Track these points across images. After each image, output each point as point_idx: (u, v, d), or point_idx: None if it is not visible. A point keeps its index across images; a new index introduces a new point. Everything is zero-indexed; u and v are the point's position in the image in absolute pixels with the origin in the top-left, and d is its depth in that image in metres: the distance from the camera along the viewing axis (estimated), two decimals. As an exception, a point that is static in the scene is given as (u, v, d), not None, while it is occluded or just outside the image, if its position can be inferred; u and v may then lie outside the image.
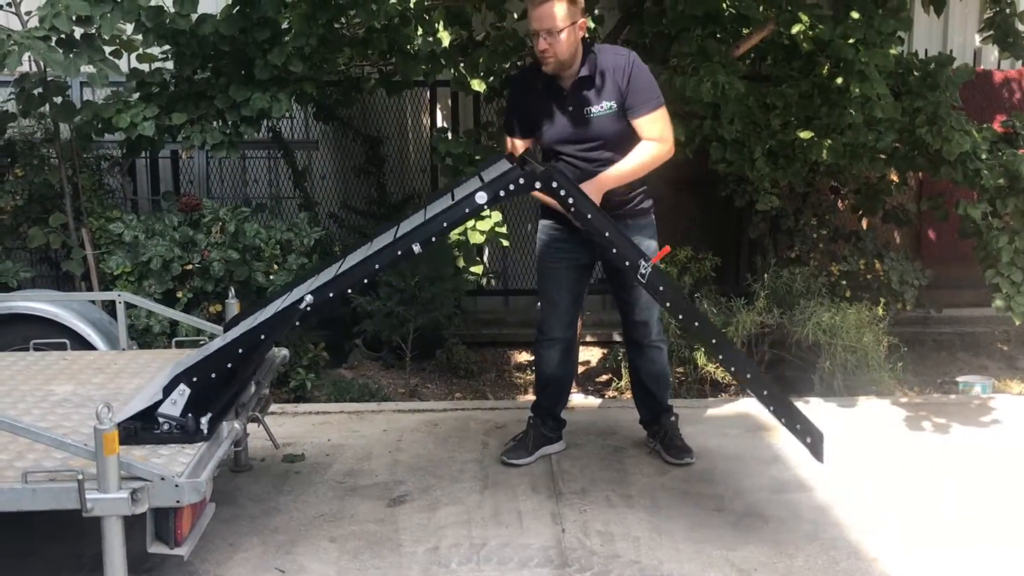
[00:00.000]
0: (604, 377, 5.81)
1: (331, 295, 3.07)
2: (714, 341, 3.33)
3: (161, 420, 2.89)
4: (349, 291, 3.23)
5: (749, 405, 4.87)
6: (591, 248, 3.87)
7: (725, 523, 3.51)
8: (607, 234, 3.23)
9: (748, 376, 3.32)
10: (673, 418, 4.15)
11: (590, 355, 6.23)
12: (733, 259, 6.68)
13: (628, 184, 3.80)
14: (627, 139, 3.73)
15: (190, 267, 4.98)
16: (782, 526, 3.49)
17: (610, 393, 5.54)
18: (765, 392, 3.30)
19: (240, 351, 3.07)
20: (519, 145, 3.89)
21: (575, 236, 3.87)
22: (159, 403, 2.91)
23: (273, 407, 4.32)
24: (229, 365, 3.07)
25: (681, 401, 4.99)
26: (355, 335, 5.83)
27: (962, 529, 3.47)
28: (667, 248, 3.60)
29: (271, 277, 5.00)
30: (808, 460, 4.03)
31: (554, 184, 3.18)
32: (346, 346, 5.94)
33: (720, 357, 3.39)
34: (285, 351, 3.96)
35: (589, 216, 3.23)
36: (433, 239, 3.15)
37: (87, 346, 4.06)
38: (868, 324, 5.19)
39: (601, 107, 3.69)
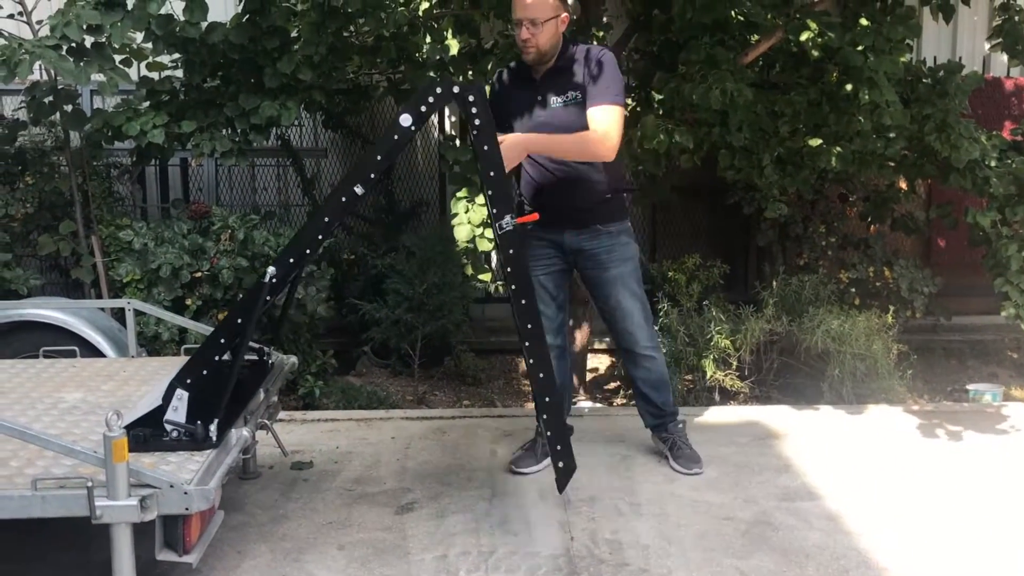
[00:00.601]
0: (613, 385, 5.80)
1: (291, 260, 3.00)
2: (530, 327, 3.14)
3: (170, 427, 2.89)
4: (308, 251, 3.06)
5: (758, 413, 4.86)
6: (566, 253, 3.86)
7: (735, 531, 3.50)
8: (491, 174, 3.05)
9: (540, 375, 3.16)
10: (681, 424, 4.11)
11: (598, 362, 6.23)
12: (742, 266, 6.68)
13: (603, 186, 3.76)
14: None
15: (199, 274, 5.00)
16: (792, 534, 3.47)
17: (619, 401, 5.53)
18: (547, 399, 3.18)
19: (222, 340, 3.03)
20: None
21: (551, 241, 3.85)
22: (159, 409, 2.92)
23: (282, 414, 4.32)
24: (216, 358, 3.02)
25: (690, 409, 4.98)
26: (363, 342, 5.84)
27: (976, 539, 3.44)
28: (535, 215, 3.39)
29: (280, 284, 5.00)
30: (818, 468, 4.04)
31: (470, 98, 3.02)
32: (354, 353, 5.95)
33: (526, 345, 3.17)
34: (294, 358, 3.96)
35: (485, 148, 3.06)
36: (372, 175, 3.02)
37: (96, 353, 4.07)
38: (877, 332, 5.18)
39: (567, 96, 3.66)
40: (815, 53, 4.72)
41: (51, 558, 3.15)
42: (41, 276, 5.42)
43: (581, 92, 3.63)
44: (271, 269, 2.97)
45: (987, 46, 6.64)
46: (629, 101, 5.06)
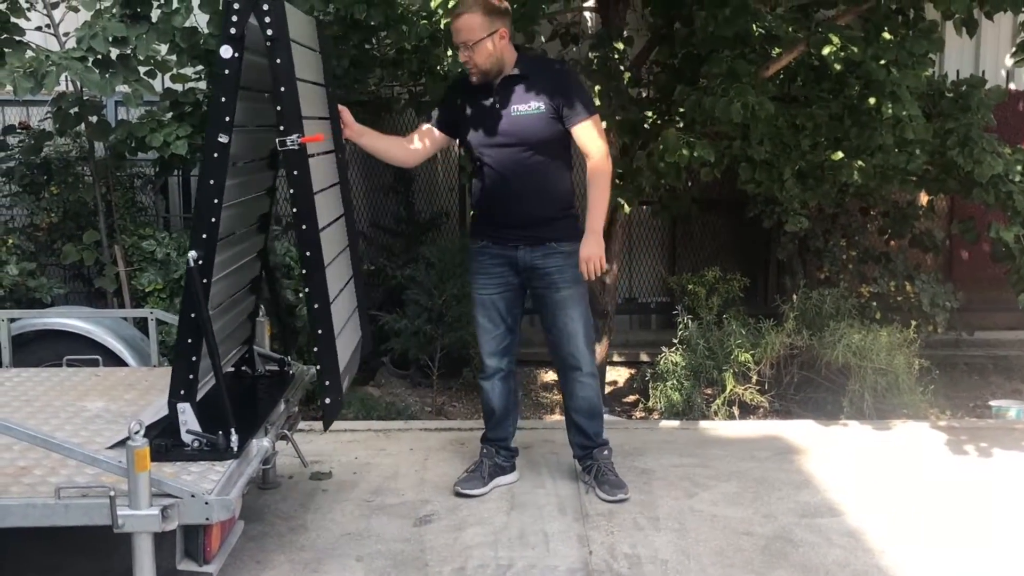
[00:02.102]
0: (631, 398, 5.79)
1: (204, 236, 2.88)
2: (308, 254, 2.96)
3: (191, 437, 2.91)
4: (214, 219, 2.90)
5: (779, 428, 4.83)
6: (520, 271, 3.78)
7: (754, 547, 3.47)
8: (283, 89, 2.87)
9: (315, 306, 3.00)
10: (607, 451, 3.97)
11: (617, 375, 6.22)
12: (762, 280, 6.66)
13: (553, 203, 3.72)
14: (553, 145, 3.67)
15: (220, 284, 5.02)
16: (812, 551, 3.44)
17: (638, 414, 5.52)
18: (319, 332, 3.01)
19: (189, 341, 2.93)
20: (426, 128, 3.83)
21: (505, 259, 3.78)
22: (164, 419, 2.94)
23: (301, 424, 4.34)
24: (194, 358, 2.93)
25: (710, 423, 4.97)
26: (382, 353, 5.86)
27: (1001, 558, 3.41)
28: (320, 136, 3.12)
29: (300, 295, 5.03)
30: (839, 484, 4.01)
31: (264, 7, 2.83)
32: (373, 364, 5.96)
33: (303, 272, 3.04)
34: (314, 369, 3.98)
35: (278, 61, 2.86)
36: (228, 119, 2.85)
37: (119, 362, 4.10)
38: (899, 346, 5.14)
39: (528, 107, 3.61)
40: (837, 67, 4.71)
41: (72, 567, 3.16)
42: (65, 285, 5.48)
43: (545, 105, 3.60)
44: (192, 253, 2.87)
45: (1010, 60, 6.60)
46: (649, 114, 5.06)
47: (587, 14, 6.08)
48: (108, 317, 4.32)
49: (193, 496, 2.64)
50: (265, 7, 2.81)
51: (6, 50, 4.54)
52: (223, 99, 2.85)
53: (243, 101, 2.95)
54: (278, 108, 2.87)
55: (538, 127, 3.62)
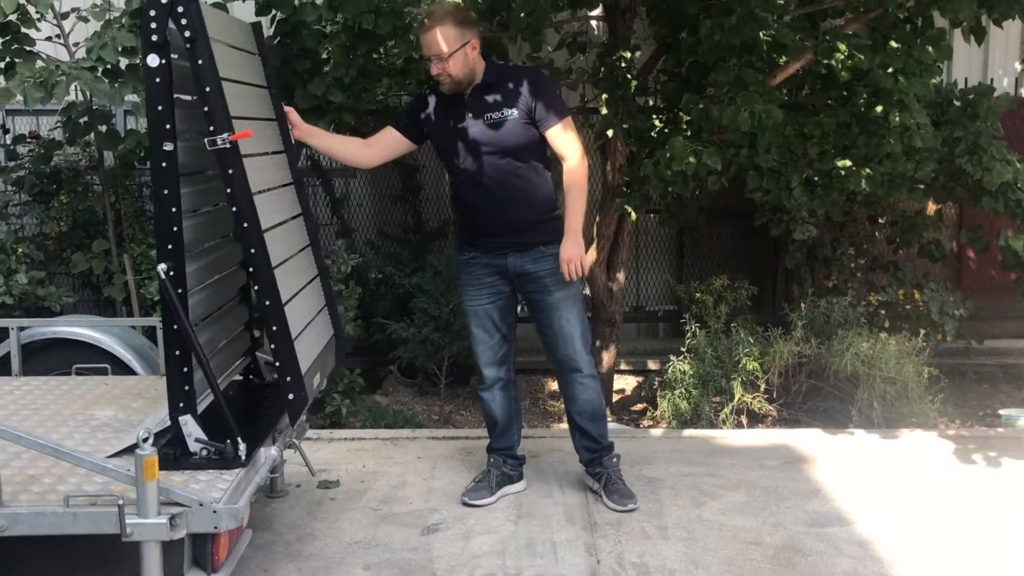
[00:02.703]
0: (639, 406, 5.77)
1: (169, 247, 2.87)
2: (252, 251, 2.94)
3: (199, 446, 2.91)
4: (176, 228, 2.88)
5: (787, 437, 4.82)
6: (511, 279, 3.78)
7: (763, 556, 3.46)
8: (208, 89, 2.85)
9: (267, 303, 2.97)
10: (615, 458, 3.94)
11: (625, 383, 6.21)
12: (770, 288, 6.64)
13: (536, 207, 3.72)
14: (530, 149, 3.67)
15: (229, 293, 5.04)
16: (821, 561, 3.43)
17: (645, 422, 5.51)
18: (274, 328, 2.97)
19: (177, 352, 2.91)
20: (388, 130, 3.82)
21: (495, 267, 3.77)
22: (167, 430, 2.94)
23: (309, 433, 4.35)
24: (185, 369, 2.93)
25: (717, 432, 4.96)
26: (390, 361, 5.86)
27: (1013, 571, 3.39)
28: (249, 132, 3.00)
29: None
30: (848, 493, 3.99)
31: (179, 9, 2.80)
32: (381, 372, 5.97)
33: (250, 270, 2.99)
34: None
35: (200, 62, 2.84)
36: (169, 126, 2.82)
37: (128, 371, 4.11)
38: (908, 355, 5.12)
39: (502, 113, 3.61)
40: (845, 75, 4.70)
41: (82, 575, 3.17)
42: (74, 294, 5.50)
43: (518, 111, 3.60)
44: (161, 266, 2.87)
45: (1019, 67, 6.60)
46: (656, 122, 5.06)
47: (594, 23, 6.10)
48: (117, 326, 4.33)
49: (201, 505, 2.64)
50: (180, 9, 2.80)
51: (17, 60, 4.57)
52: (160, 107, 2.84)
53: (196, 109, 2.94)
54: (205, 109, 2.84)
55: (513, 133, 3.62)
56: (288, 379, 2.98)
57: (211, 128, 2.85)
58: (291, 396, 3.00)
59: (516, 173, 3.67)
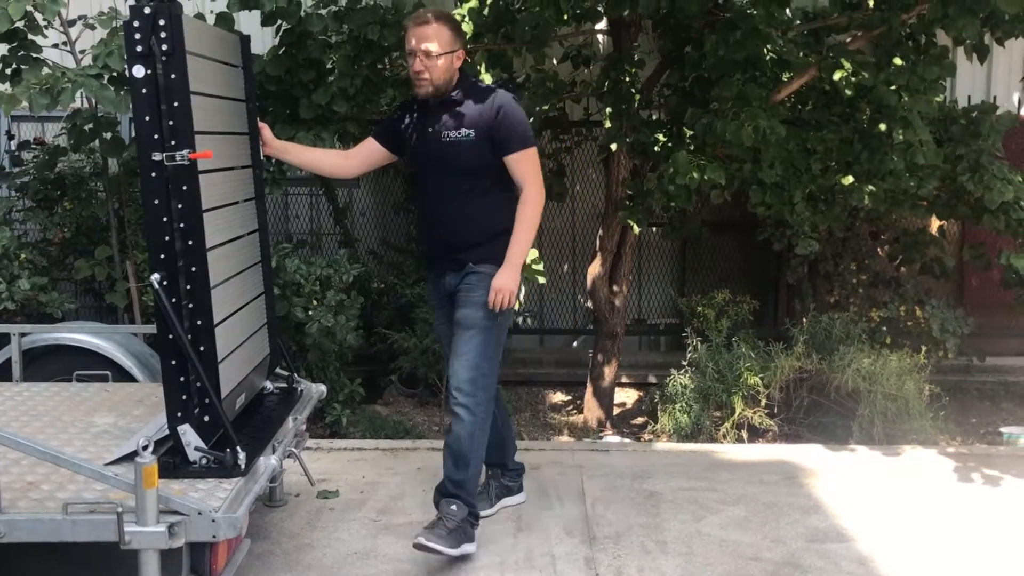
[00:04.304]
0: (640, 419, 5.77)
1: (162, 256, 2.88)
2: (193, 269, 2.91)
3: (198, 455, 2.91)
4: (167, 238, 2.89)
5: (788, 452, 4.81)
6: (449, 298, 3.62)
7: (762, 572, 3.45)
8: (175, 104, 2.82)
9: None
10: (454, 507, 3.46)
11: (626, 396, 6.20)
12: (772, 303, 6.64)
13: (481, 230, 3.50)
14: (484, 173, 3.49)
15: (231, 301, 5.04)
16: (820, 577, 3.42)
17: (646, 436, 5.50)
18: (203, 349, 2.93)
19: (173, 362, 2.91)
20: (370, 142, 3.72)
21: (438, 287, 3.67)
22: (167, 438, 2.94)
23: (308, 442, 4.34)
24: (182, 379, 2.92)
25: (718, 447, 4.95)
26: (391, 371, 5.86)
27: (1007, 586, 3.38)
28: (209, 152, 2.97)
29: (310, 313, 5.05)
30: (849, 509, 3.98)
31: (160, 22, 2.80)
32: (382, 382, 5.96)
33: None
34: (323, 387, 3.99)
35: (172, 76, 2.81)
36: (156, 136, 2.81)
37: (129, 378, 4.11)
38: (909, 371, 5.11)
39: (459, 133, 3.44)
40: (848, 91, 4.72)
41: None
42: (76, 300, 5.50)
43: (476, 132, 3.43)
44: (155, 276, 2.87)
45: (1022, 86, 6.61)
46: (660, 136, 5.07)
47: (599, 37, 6.12)
48: (118, 333, 4.33)
49: (200, 513, 2.64)
50: (161, 22, 2.80)
51: (23, 67, 4.58)
52: (147, 118, 2.84)
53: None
54: (170, 123, 2.83)
55: (466, 155, 3.45)
56: (206, 401, 2.93)
57: (172, 143, 2.84)
58: (206, 419, 2.94)
59: (467, 194, 3.50)
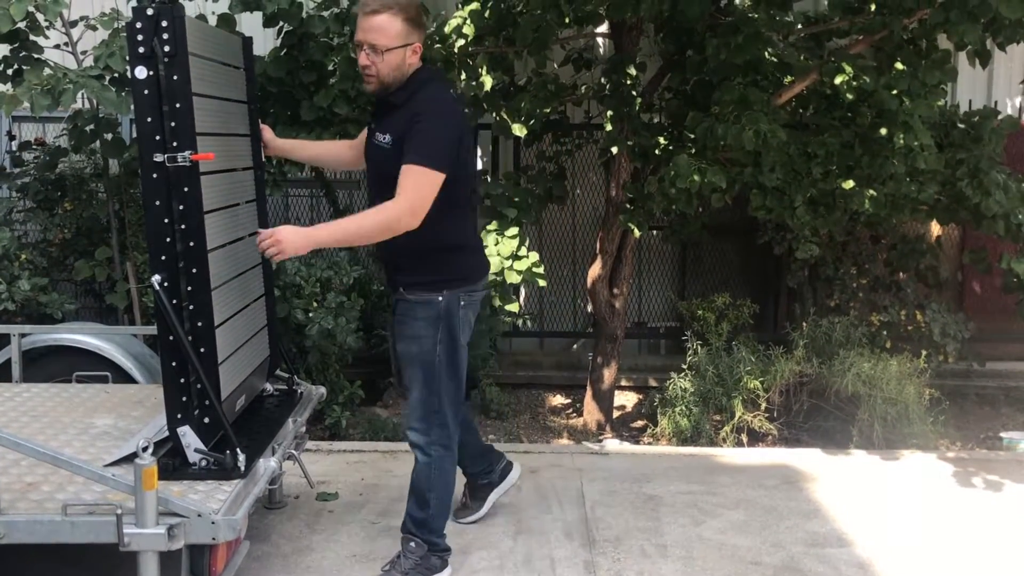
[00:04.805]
0: (640, 423, 5.76)
1: (163, 258, 2.88)
2: (195, 271, 2.90)
3: (198, 456, 2.91)
4: (168, 239, 2.88)
5: (787, 456, 4.81)
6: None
7: (762, 577, 3.45)
8: (177, 105, 2.81)
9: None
10: (413, 544, 3.33)
11: (625, 400, 6.20)
12: (771, 306, 6.64)
13: (404, 248, 3.17)
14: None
15: (231, 303, 5.04)
16: (820, 582, 3.42)
17: (645, 439, 5.49)
18: (203, 351, 2.93)
19: (174, 364, 2.91)
20: (364, 132, 3.46)
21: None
22: (167, 440, 2.94)
23: (308, 444, 4.33)
24: (183, 380, 2.92)
25: (718, 450, 4.94)
26: (391, 373, 5.84)
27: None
28: (211, 155, 2.93)
29: (310, 315, 5.05)
30: (848, 514, 3.98)
31: (163, 23, 2.79)
32: (381, 384, 5.95)
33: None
34: (323, 389, 3.99)
35: (175, 78, 2.80)
36: (158, 137, 2.81)
37: (128, 379, 4.11)
38: (909, 376, 5.11)
39: (384, 138, 3.17)
40: (849, 95, 4.72)
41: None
42: (76, 301, 5.49)
43: (393, 137, 3.14)
44: (156, 277, 2.87)
45: (1023, 90, 6.61)
46: (661, 140, 5.07)
47: (600, 40, 6.12)
48: (118, 334, 4.33)
49: (200, 515, 2.64)
50: (164, 24, 2.81)
51: (24, 67, 4.59)
52: (149, 119, 2.85)
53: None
54: (171, 124, 2.83)
55: (388, 163, 3.13)
56: (206, 403, 2.93)
57: (174, 144, 2.84)
58: (206, 420, 2.94)
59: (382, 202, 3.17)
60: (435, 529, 3.36)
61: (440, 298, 3.22)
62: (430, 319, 3.22)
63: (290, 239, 3.01)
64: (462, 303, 3.27)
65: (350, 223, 3.17)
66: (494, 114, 5.18)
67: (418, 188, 3.04)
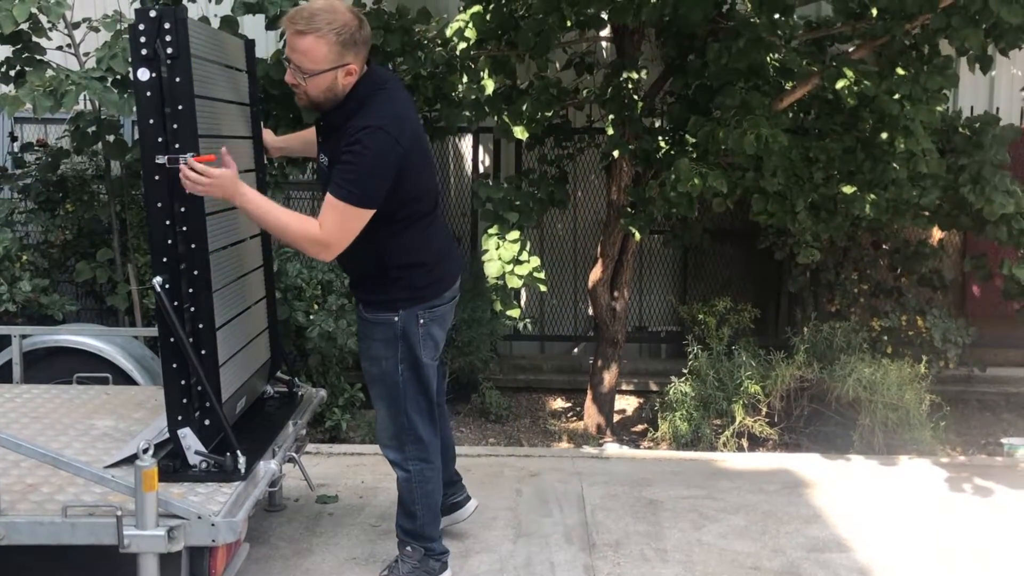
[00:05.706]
0: (640, 427, 5.76)
1: (164, 260, 2.87)
2: (196, 273, 2.89)
3: (198, 458, 2.91)
4: (169, 241, 2.88)
5: (788, 461, 4.80)
6: None
7: (762, 582, 3.45)
8: (180, 107, 2.80)
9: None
10: (408, 548, 3.32)
11: (626, 404, 6.19)
12: (773, 311, 6.64)
13: (357, 264, 3.13)
14: None
15: (232, 305, 5.04)
16: (820, 587, 3.42)
17: (645, 444, 5.49)
18: (204, 353, 2.91)
19: (174, 365, 2.90)
20: None
21: None
22: (167, 442, 2.94)
23: (308, 447, 4.33)
24: (183, 382, 2.91)
25: (718, 455, 4.94)
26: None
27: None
28: (212, 156, 2.86)
29: (311, 317, 5.05)
30: (849, 519, 3.98)
31: (165, 25, 2.78)
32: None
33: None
34: (323, 392, 3.99)
35: (177, 80, 2.79)
36: (160, 139, 2.81)
37: (129, 381, 4.11)
38: (910, 381, 5.11)
39: (323, 160, 3.09)
40: (851, 100, 4.72)
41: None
42: (77, 302, 5.49)
43: (330, 159, 3.02)
44: (157, 279, 2.86)
45: (1024, 96, 6.61)
46: (662, 144, 5.07)
47: (602, 44, 6.12)
48: (119, 335, 4.33)
49: (200, 517, 2.63)
50: (167, 26, 2.80)
51: (27, 69, 4.59)
52: (151, 121, 2.84)
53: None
54: (174, 126, 2.82)
55: (328, 184, 2.98)
56: (207, 405, 2.93)
57: (176, 146, 2.84)
58: (207, 422, 2.93)
59: None
60: (428, 536, 3.34)
61: (396, 318, 3.10)
62: (388, 340, 3.12)
63: (224, 185, 2.84)
64: (421, 321, 3.13)
65: (272, 215, 2.95)
66: (496, 117, 5.19)
67: (341, 224, 2.91)
